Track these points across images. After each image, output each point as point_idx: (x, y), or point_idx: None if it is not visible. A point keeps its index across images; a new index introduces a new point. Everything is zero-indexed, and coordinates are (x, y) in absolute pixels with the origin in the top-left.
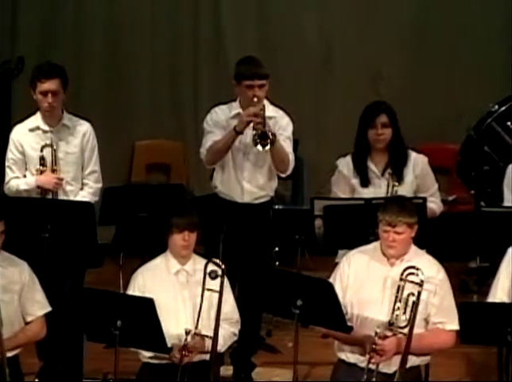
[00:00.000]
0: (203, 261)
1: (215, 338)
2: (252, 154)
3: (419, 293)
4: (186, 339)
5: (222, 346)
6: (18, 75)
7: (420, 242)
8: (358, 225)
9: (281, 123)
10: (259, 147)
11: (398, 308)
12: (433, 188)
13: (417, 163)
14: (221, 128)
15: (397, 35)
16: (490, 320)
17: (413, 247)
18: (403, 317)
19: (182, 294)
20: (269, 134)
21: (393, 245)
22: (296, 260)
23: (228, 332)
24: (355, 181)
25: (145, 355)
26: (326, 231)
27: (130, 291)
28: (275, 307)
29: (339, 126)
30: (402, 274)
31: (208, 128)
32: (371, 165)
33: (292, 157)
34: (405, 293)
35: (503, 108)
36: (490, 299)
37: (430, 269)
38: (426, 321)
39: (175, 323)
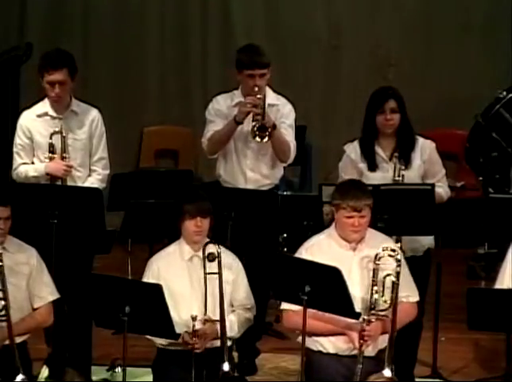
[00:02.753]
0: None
1: (221, 319)
2: (253, 143)
3: (398, 273)
4: (194, 325)
5: (237, 332)
6: (26, 61)
7: (428, 228)
8: None
9: (283, 111)
10: (257, 139)
11: (376, 291)
12: (440, 173)
13: (425, 149)
14: (223, 117)
15: (405, 21)
16: (498, 306)
17: (368, 228)
18: (381, 300)
19: (196, 280)
20: (268, 126)
21: (358, 229)
22: None
23: (243, 317)
24: (363, 166)
25: (158, 341)
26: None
27: (145, 279)
28: (283, 293)
29: (347, 112)
30: (376, 258)
31: (210, 117)
32: (379, 150)
33: (293, 145)
34: (380, 275)
35: (511, 95)
36: (498, 286)
37: None
38: None
39: (189, 310)
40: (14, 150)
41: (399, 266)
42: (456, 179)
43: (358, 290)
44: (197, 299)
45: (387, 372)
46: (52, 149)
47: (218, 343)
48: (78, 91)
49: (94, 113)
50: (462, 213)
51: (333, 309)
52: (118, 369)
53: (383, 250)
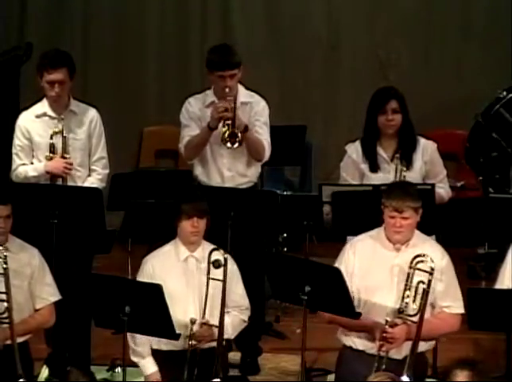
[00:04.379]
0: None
1: (220, 326)
2: None
3: (429, 281)
4: (191, 328)
5: (231, 334)
6: (26, 61)
7: (428, 228)
8: (366, 211)
9: (256, 109)
10: (228, 145)
11: (408, 296)
12: (442, 174)
13: (426, 149)
14: (196, 120)
15: (405, 21)
16: (498, 306)
17: (417, 232)
18: (412, 305)
19: (191, 281)
20: (238, 131)
21: (400, 230)
22: (305, 246)
23: (238, 319)
24: (364, 167)
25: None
26: (334, 218)
27: (139, 278)
28: (283, 293)
29: (348, 112)
30: (412, 262)
31: (184, 121)
32: (380, 151)
33: (267, 143)
34: (415, 280)
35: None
36: (498, 286)
37: (434, 254)
38: (432, 306)
39: (183, 311)
40: (13, 151)
41: (431, 274)
42: (456, 179)
43: (391, 291)
44: (192, 300)
45: (405, 378)
46: (52, 149)
47: (213, 343)
48: (78, 91)
49: (92, 113)
50: (462, 213)
51: (333, 309)
52: (118, 369)
53: (416, 256)
